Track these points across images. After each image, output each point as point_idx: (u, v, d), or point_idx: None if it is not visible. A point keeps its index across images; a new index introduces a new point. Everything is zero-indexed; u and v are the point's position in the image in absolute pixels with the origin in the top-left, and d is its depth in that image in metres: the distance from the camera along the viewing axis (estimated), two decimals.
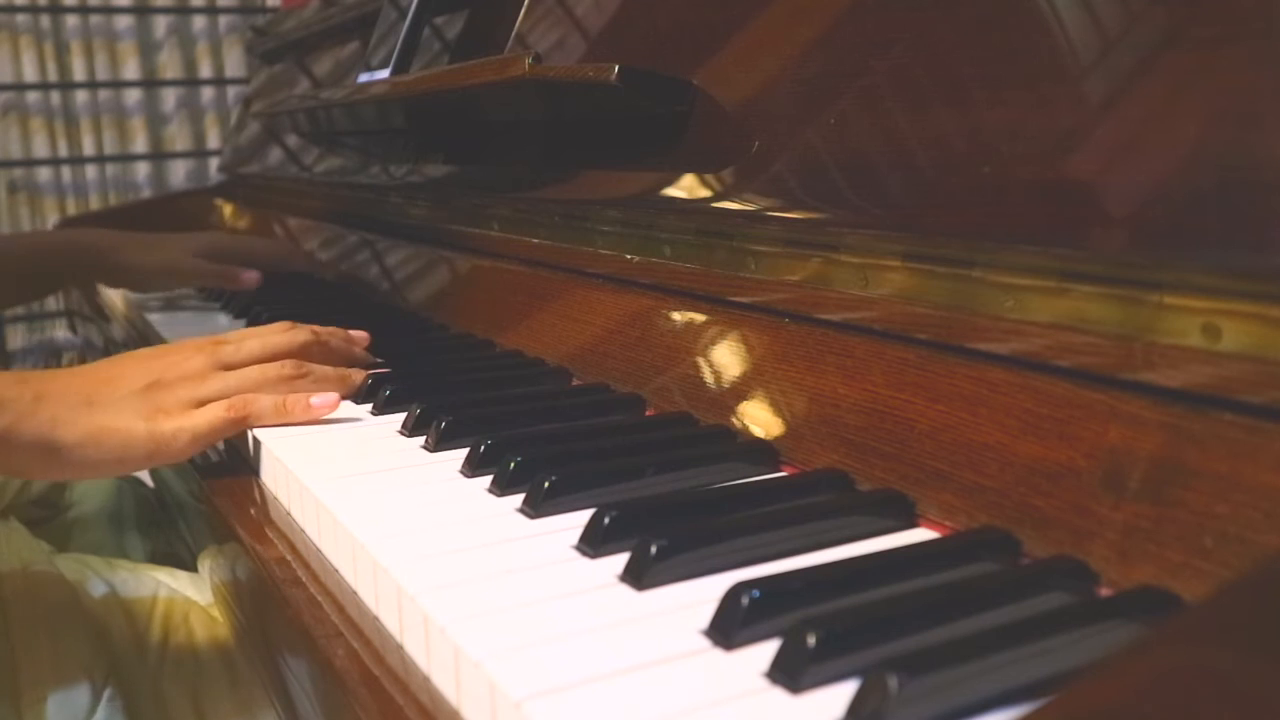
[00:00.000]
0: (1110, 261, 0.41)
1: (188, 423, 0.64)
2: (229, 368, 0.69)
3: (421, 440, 0.62)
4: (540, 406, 0.65)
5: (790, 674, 0.34)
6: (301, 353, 0.72)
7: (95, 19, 2.51)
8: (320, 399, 0.68)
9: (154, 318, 1.16)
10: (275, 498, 0.61)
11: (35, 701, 0.64)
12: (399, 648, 0.43)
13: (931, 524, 0.47)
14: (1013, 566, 0.42)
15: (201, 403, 0.66)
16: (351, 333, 0.79)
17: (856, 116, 0.53)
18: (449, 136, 1.01)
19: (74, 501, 1.00)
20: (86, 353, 2.19)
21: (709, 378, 0.62)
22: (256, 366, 0.69)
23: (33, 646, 0.66)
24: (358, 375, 0.73)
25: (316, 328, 0.75)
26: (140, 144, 2.59)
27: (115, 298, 1.32)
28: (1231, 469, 0.37)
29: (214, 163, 2.46)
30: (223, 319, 1.13)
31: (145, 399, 0.64)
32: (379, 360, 0.79)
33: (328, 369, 0.72)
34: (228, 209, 1.76)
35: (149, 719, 0.69)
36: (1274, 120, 0.36)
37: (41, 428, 0.60)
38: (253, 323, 1.03)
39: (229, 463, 0.70)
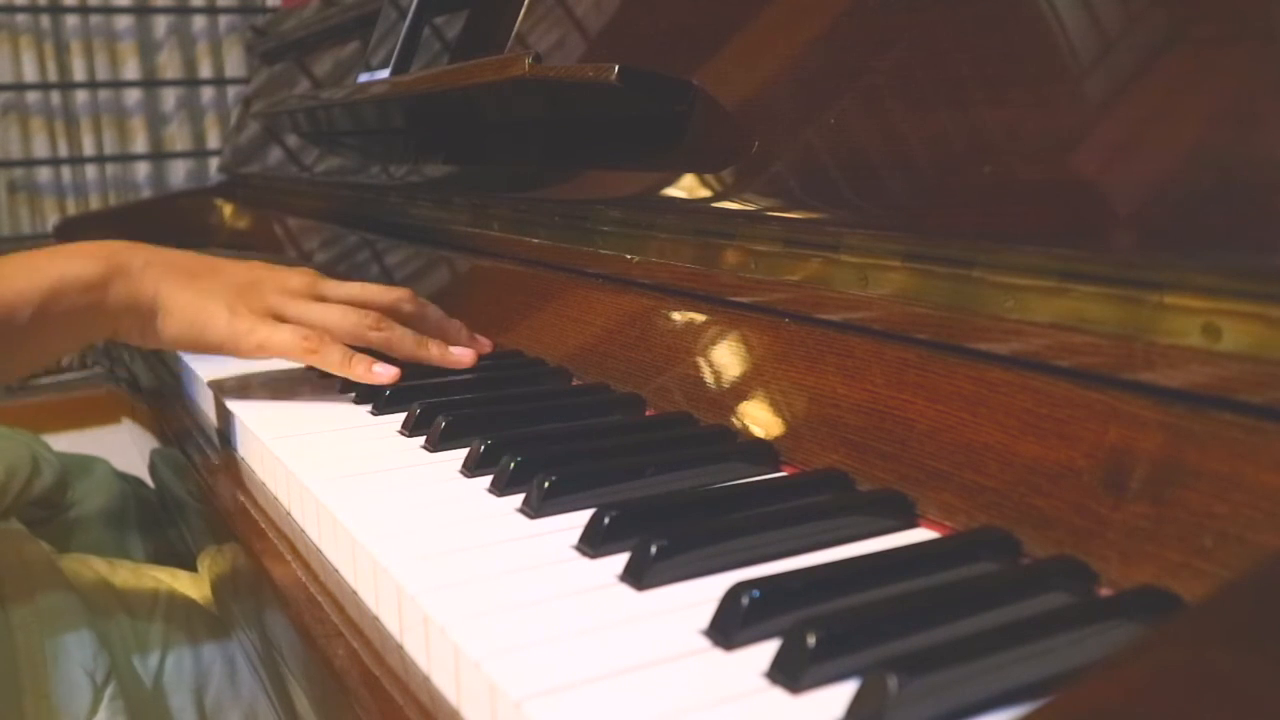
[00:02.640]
0: (1110, 261, 0.41)
1: (263, 329, 0.68)
2: (323, 300, 0.72)
3: (421, 440, 0.62)
4: (540, 406, 0.65)
5: (790, 674, 0.34)
6: (393, 310, 0.74)
7: (95, 19, 2.51)
8: (382, 368, 0.69)
9: None
10: (275, 498, 0.61)
11: (38, 701, 0.64)
12: (399, 648, 0.43)
13: (931, 524, 0.47)
14: (1013, 566, 0.42)
15: (283, 317, 0.70)
16: (451, 319, 0.79)
17: (856, 116, 0.53)
18: (449, 136, 1.01)
19: (75, 501, 1.00)
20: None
21: (709, 378, 0.62)
22: (341, 307, 0.72)
23: (35, 646, 0.66)
24: (435, 348, 0.74)
25: (427, 302, 0.77)
26: (140, 144, 2.59)
27: None
28: (1231, 469, 0.37)
29: (214, 163, 2.46)
30: None
31: (238, 293, 0.70)
32: (483, 353, 0.78)
33: (406, 332, 0.73)
34: (228, 209, 1.76)
35: (151, 718, 0.69)
36: (1274, 120, 0.36)
37: (146, 289, 0.68)
38: None
39: (229, 463, 0.70)
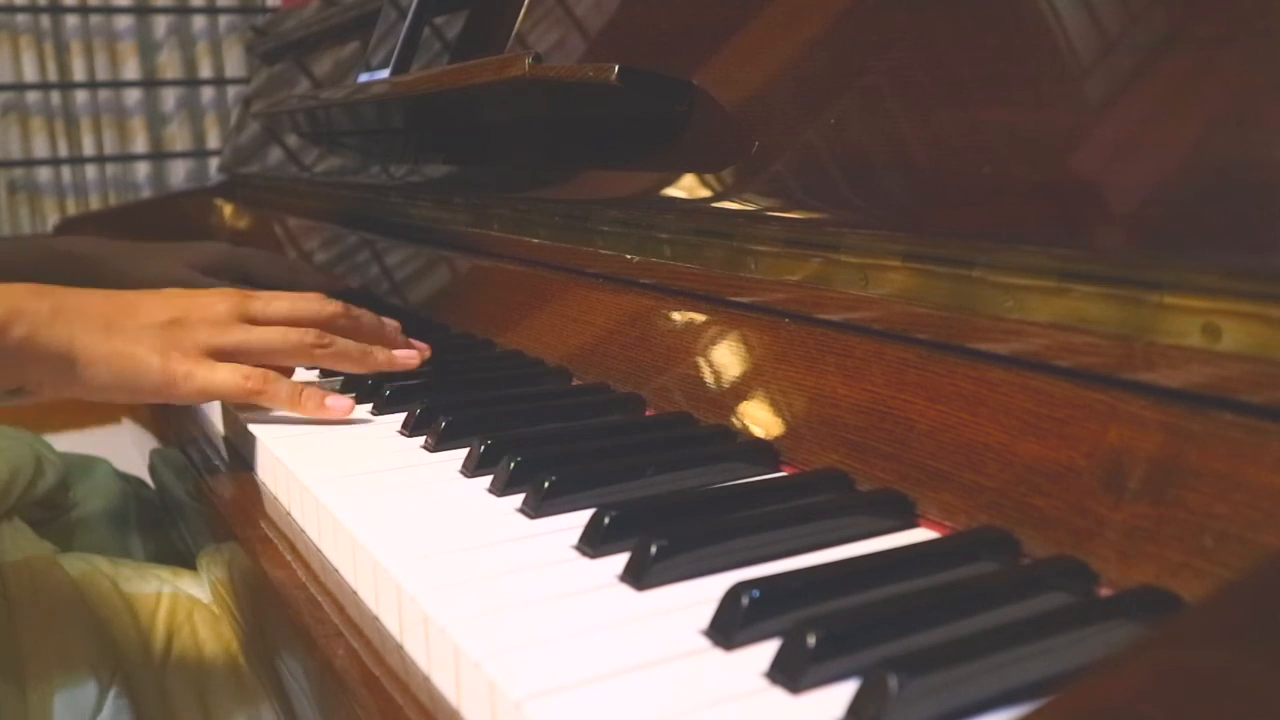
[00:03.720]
0: (1110, 261, 0.41)
1: (202, 371, 0.64)
2: (254, 322, 0.68)
3: (421, 440, 0.62)
4: (540, 406, 0.65)
5: (790, 674, 0.34)
6: (329, 324, 0.71)
7: (95, 19, 2.51)
8: (335, 401, 0.67)
9: None
10: (275, 498, 0.61)
11: (42, 699, 0.64)
12: (399, 648, 0.43)
13: (931, 524, 0.47)
14: (1013, 566, 0.42)
15: (219, 351, 0.65)
16: (384, 319, 0.77)
17: (856, 116, 0.53)
18: (449, 136, 1.01)
19: (77, 501, 1.00)
20: None
21: (709, 378, 0.62)
22: (279, 328, 0.68)
23: (39, 645, 0.66)
24: (380, 354, 0.72)
25: (351, 305, 0.74)
26: (140, 144, 2.59)
27: None
28: (1231, 469, 0.37)
29: (214, 163, 2.46)
30: None
31: (164, 334, 0.64)
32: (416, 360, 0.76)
33: (349, 343, 0.71)
34: (228, 209, 1.76)
35: (154, 717, 0.69)
36: (1274, 120, 0.36)
37: (58, 342, 0.61)
38: None
39: (229, 463, 0.70)
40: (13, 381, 0.64)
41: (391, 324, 0.77)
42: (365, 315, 0.74)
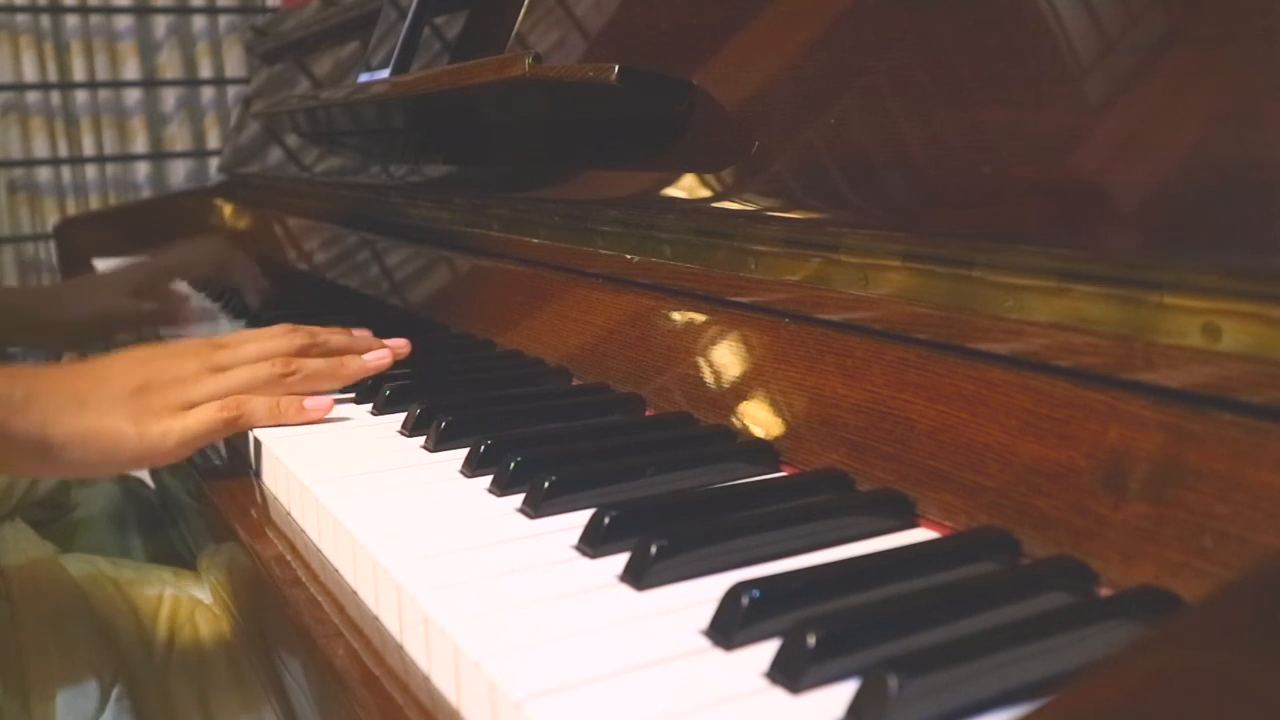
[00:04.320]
0: (1110, 261, 0.41)
1: (177, 424, 0.63)
2: (222, 370, 0.68)
3: (421, 440, 0.62)
4: (540, 406, 0.65)
5: (790, 674, 0.34)
6: (299, 356, 0.71)
7: (95, 19, 2.51)
8: (314, 402, 0.67)
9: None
10: (275, 498, 0.61)
11: (44, 700, 0.64)
12: (399, 648, 0.43)
13: (931, 524, 0.47)
14: (1013, 566, 0.42)
15: (191, 404, 0.65)
16: (354, 331, 0.78)
17: (856, 116, 0.53)
18: (449, 136, 1.01)
19: (78, 503, 1.00)
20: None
21: (709, 378, 0.62)
22: (247, 367, 0.68)
23: (41, 646, 0.66)
24: (352, 363, 0.72)
25: (317, 329, 0.74)
26: (140, 144, 2.59)
27: None
28: (1231, 469, 0.37)
29: (214, 163, 2.46)
30: (224, 323, 1.14)
31: (135, 400, 0.64)
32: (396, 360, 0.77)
33: (319, 362, 0.71)
34: (228, 209, 1.76)
35: (156, 717, 0.69)
36: (1274, 120, 0.36)
37: (31, 426, 0.60)
38: (251, 324, 1.03)
39: (229, 463, 0.70)
40: None
41: (360, 333, 0.77)
42: (332, 336, 0.74)
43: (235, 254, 1.19)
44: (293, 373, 0.69)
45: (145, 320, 1.14)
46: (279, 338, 0.72)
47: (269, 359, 0.69)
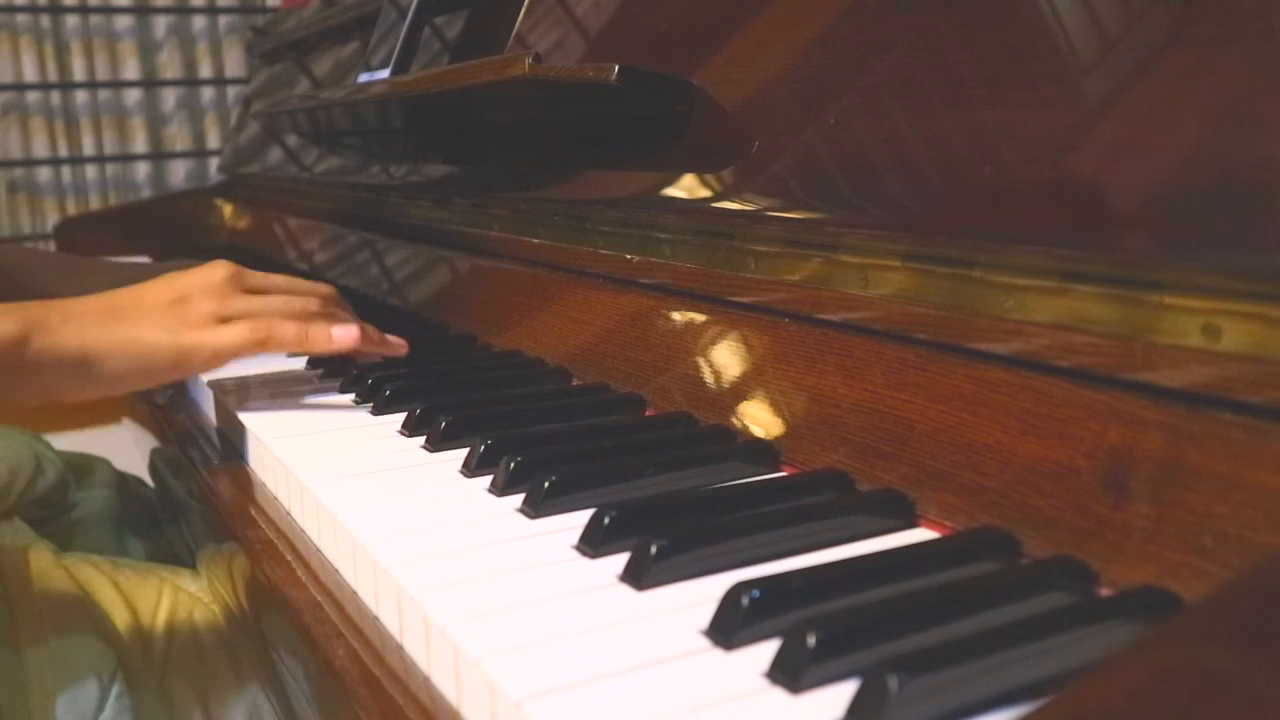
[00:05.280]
0: (1110, 261, 0.41)
1: (209, 337, 0.65)
2: (253, 291, 0.70)
3: (421, 440, 0.62)
4: (540, 406, 0.65)
5: (790, 674, 0.34)
6: (325, 302, 0.74)
7: (95, 19, 2.51)
8: (342, 330, 0.69)
9: None
10: (275, 497, 0.61)
11: (44, 700, 0.64)
12: (399, 648, 0.43)
13: (931, 524, 0.47)
14: (1013, 566, 0.42)
15: (225, 319, 0.67)
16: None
17: (856, 116, 0.53)
18: (449, 136, 1.01)
19: (77, 502, 1.00)
20: None
21: (709, 378, 0.62)
22: (280, 295, 0.70)
23: (41, 645, 0.66)
24: (374, 332, 0.74)
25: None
26: (140, 144, 2.59)
27: None
28: (1231, 469, 0.37)
29: (214, 163, 2.46)
30: None
31: (170, 312, 0.66)
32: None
33: (347, 316, 0.73)
34: (228, 209, 1.76)
35: (155, 716, 0.69)
36: (1274, 120, 0.36)
37: (71, 341, 0.62)
38: None
39: (229, 462, 0.70)
40: (37, 393, 0.65)
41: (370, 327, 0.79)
42: (351, 311, 0.77)
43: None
44: (326, 314, 0.71)
45: None
46: (315, 285, 0.74)
47: (299, 294, 0.71)
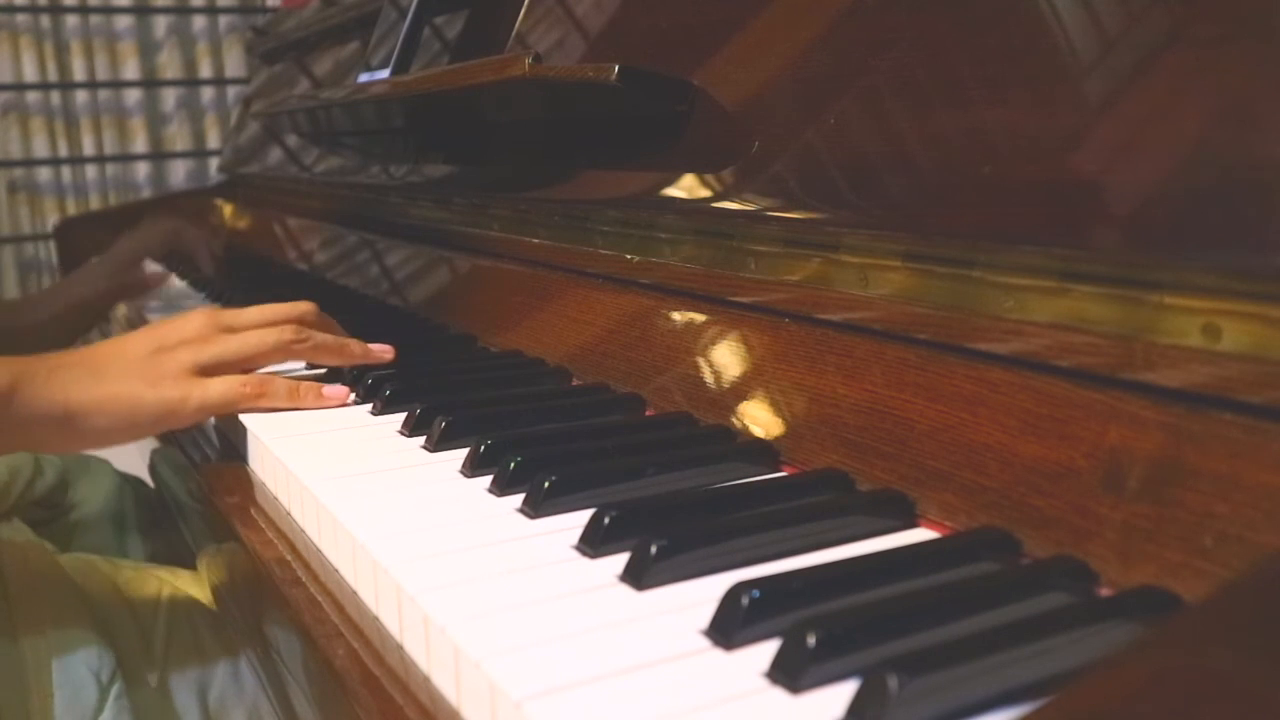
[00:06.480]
0: (1110, 261, 0.41)
1: (197, 390, 0.65)
2: (229, 332, 0.70)
3: (421, 440, 0.62)
4: (540, 406, 0.65)
5: (790, 674, 0.34)
6: (301, 322, 0.73)
7: (95, 19, 2.51)
8: (331, 390, 0.69)
9: (154, 319, 1.16)
10: (275, 498, 0.61)
11: (43, 700, 0.64)
12: (399, 648, 0.43)
13: (931, 524, 0.47)
14: (1013, 566, 0.42)
15: (204, 367, 0.67)
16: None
17: (856, 116, 0.53)
18: (449, 136, 1.01)
19: (76, 503, 1.00)
20: None
21: (709, 378, 0.62)
22: (255, 331, 0.70)
23: (40, 645, 0.66)
24: (356, 345, 0.74)
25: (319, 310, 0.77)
26: (140, 144, 2.59)
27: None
28: (1231, 469, 0.37)
29: (214, 163, 2.46)
30: (194, 297, 1.16)
31: (149, 364, 0.66)
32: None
33: (326, 336, 0.73)
34: (228, 209, 1.76)
35: (155, 716, 0.69)
36: (1274, 120, 0.36)
37: (55, 398, 0.63)
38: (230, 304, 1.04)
39: (229, 463, 0.70)
40: (21, 445, 0.66)
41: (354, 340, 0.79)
42: (330, 320, 0.77)
43: (183, 224, 1.30)
44: (302, 339, 0.71)
45: (118, 296, 1.20)
46: (291, 307, 0.74)
47: (276, 325, 0.71)
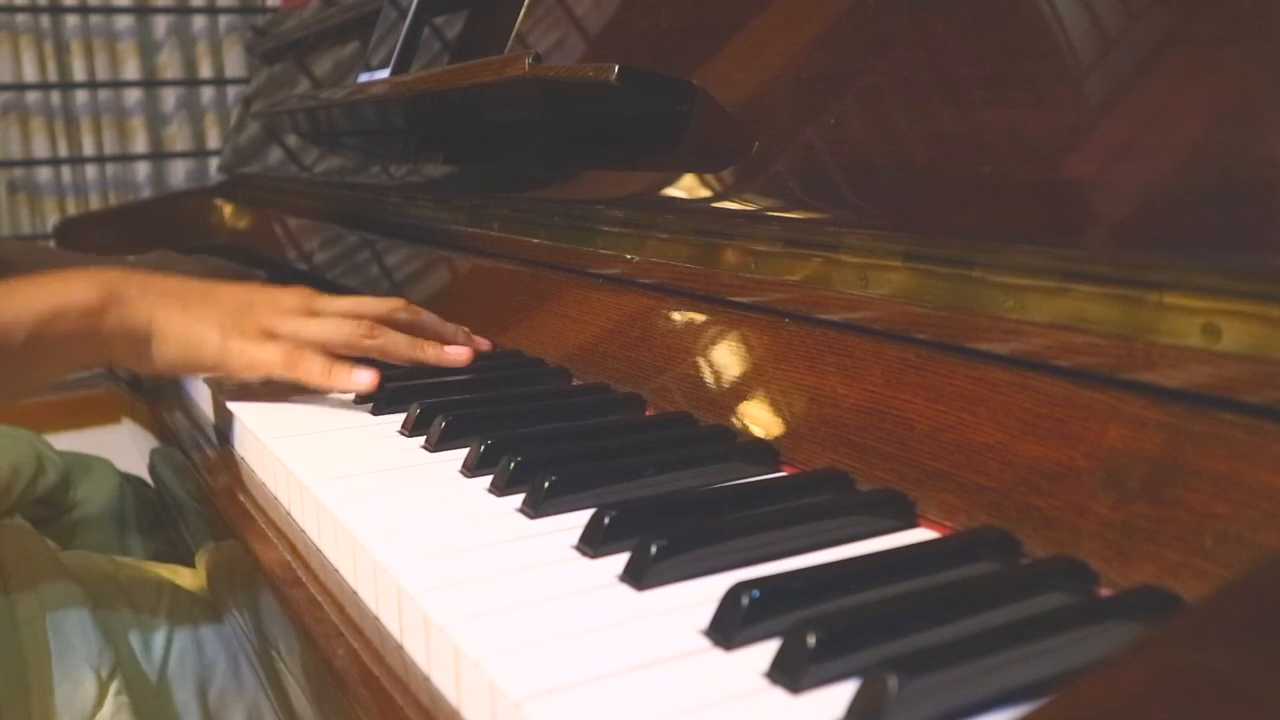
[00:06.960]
0: (1110, 261, 0.41)
1: (251, 348, 0.69)
2: (314, 315, 0.72)
3: (421, 440, 0.62)
4: (540, 406, 0.65)
5: (790, 674, 0.34)
6: (387, 319, 0.74)
7: (95, 19, 2.51)
8: (362, 374, 0.70)
9: None
10: (275, 498, 0.61)
11: (43, 696, 0.64)
12: (399, 648, 0.43)
13: (931, 524, 0.47)
14: (1013, 566, 0.42)
15: (274, 335, 0.70)
16: (447, 323, 0.79)
17: (856, 116, 0.53)
18: (449, 136, 1.01)
19: (78, 502, 1.00)
20: None
21: (709, 378, 0.62)
22: (333, 319, 0.72)
23: (40, 643, 0.66)
24: (430, 349, 0.74)
25: (422, 310, 0.77)
26: (140, 144, 2.59)
27: None
28: (1231, 469, 0.37)
29: (214, 163, 2.46)
30: None
31: (230, 315, 0.70)
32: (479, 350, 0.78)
33: (399, 336, 0.74)
34: (228, 209, 1.76)
35: (155, 714, 0.69)
36: (1274, 120, 0.36)
37: (141, 317, 0.67)
38: None
39: (229, 463, 0.70)
40: (100, 360, 0.70)
41: (453, 326, 0.79)
42: (427, 315, 0.77)
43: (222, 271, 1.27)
44: (372, 337, 0.72)
45: None
46: (382, 302, 0.76)
47: (359, 318, 0.73)
